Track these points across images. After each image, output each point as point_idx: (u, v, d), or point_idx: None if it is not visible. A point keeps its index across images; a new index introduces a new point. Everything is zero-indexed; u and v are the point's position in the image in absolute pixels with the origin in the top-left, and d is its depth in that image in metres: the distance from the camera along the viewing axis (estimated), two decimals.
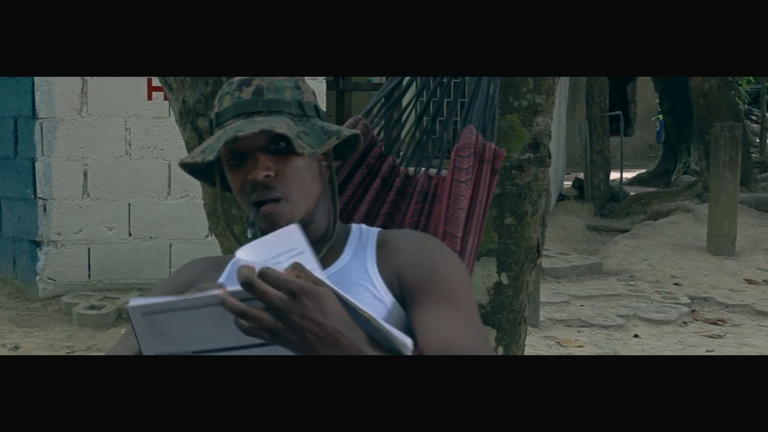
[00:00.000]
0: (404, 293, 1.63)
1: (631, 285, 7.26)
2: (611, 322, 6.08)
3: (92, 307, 6.12)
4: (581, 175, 12.36)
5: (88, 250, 6.66)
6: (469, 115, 2.03)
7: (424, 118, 2.22)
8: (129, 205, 6.70)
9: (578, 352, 5.40)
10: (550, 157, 2.63)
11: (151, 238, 6.72)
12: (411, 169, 2.08)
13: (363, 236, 1.74)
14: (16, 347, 5.43)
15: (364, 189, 2.03)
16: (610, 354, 5.41)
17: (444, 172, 2.01)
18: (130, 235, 6.71)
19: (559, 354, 5.36)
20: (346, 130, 1.73)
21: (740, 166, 8.45)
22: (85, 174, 6.62)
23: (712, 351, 5.54)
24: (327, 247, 1.72)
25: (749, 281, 7.48)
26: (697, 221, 9.12)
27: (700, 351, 5.51)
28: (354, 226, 1.78)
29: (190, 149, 2.66)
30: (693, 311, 6.55)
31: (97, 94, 6.55)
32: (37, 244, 6.62)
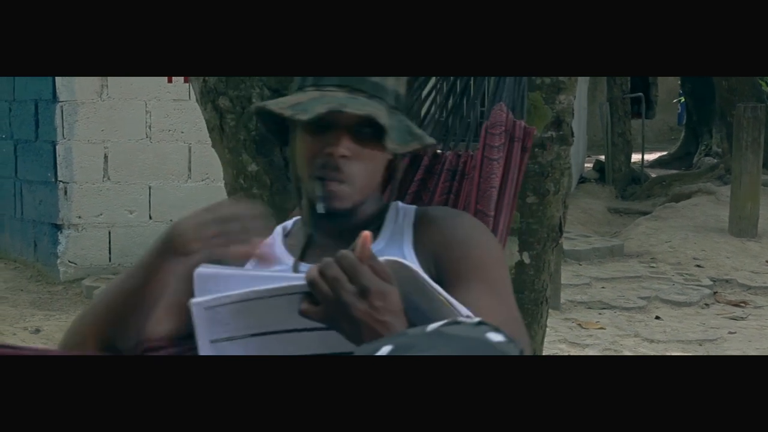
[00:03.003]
0: (440, 273, 1.61)
1: (653, 267, 7.22)
2: (633, 304, 6.05)
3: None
4: (602, 158, 12.30)
5: (109, 233, 6.69)
6: (499, 92, 2.01)
7: (453, 96, 2.20)
8: (149, 188, 6.72)
9: (599, 334, 5.38)
10: (572, 135, 2.61)
11: (171, 221, 6.63)
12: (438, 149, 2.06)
13: (399, 217, 1.72)
14: (38, 330, 5.45)
15: None
16: (631, 334, 5.39)
17: (471, 150, 1.99)
18: (150, 218, 6.73)
19: (580, 335, 5.34)
20: (428, 139, 1.72)
21: (763, 147, 8.39)
22: (106, 157, 6.64)
23: (735, 333, 5.51)
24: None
25: None
26: (719, 203, 9.06)
27: (722, 333, 5.49)
28: (391, 206, 1.76)
29: (211, 129, 2.65)
30: (715, 293, 6.51)
31: (117, 78, 6.55)
32: (58, 228, 6.64)
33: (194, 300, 1.43)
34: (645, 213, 9.50)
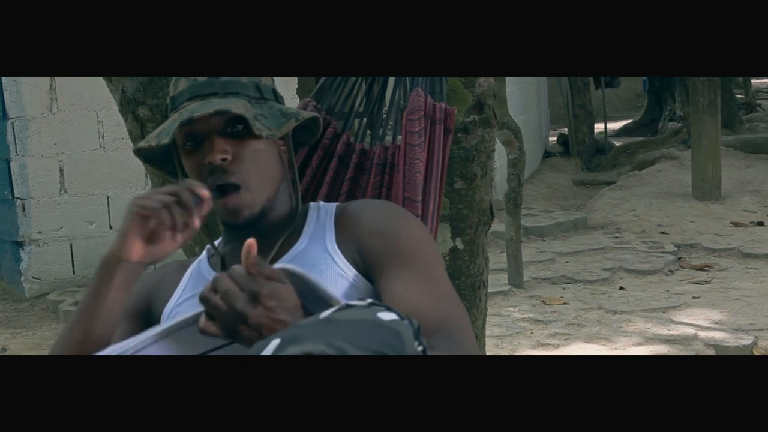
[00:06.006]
0: (367, 264, 1.61)
1: (617, 237, 7.24)
2: (597, 276, 6.07)
3: (78, 303, 6.10)
4: (566, 131, 12.29)
5: (71, 246, 6.66)
6: (416, 77, 2.00)
7: (374, 89, 2.18)
8: (107, 198, 6.70)
9: (563, 309, 5.40)
10: (495, 117, 2.60)
11: None
12: (367, 143, 2.05)
13: (321, 215, 1.71)
14: (4, 349, 5.43)
15: (323, 171, 2.00)
16: (594, 306, 5.40)
17: (399, 140, 1.98)
18: (110, 227, 6.71)
19: (544, 312, 5.35)
20: (305, 113, 1.72)
21: (720, 109, 8.40)
22: (61, 170, 6.61)
23: (698, 297, 5.54)
24: (287, 233, 1.69)
25: (736, 224, 7.47)
26: (683, 168, 9.07)
27: (686, 299, 5.51)
28: (311, 206, 1.75)
29: (133, 139, 2.64)
30: (679, 259, 6.54)
31: (66, 90, 6.52)
32: (20, 245, 6.61)
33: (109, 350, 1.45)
34: (610, 183, 9.50)
